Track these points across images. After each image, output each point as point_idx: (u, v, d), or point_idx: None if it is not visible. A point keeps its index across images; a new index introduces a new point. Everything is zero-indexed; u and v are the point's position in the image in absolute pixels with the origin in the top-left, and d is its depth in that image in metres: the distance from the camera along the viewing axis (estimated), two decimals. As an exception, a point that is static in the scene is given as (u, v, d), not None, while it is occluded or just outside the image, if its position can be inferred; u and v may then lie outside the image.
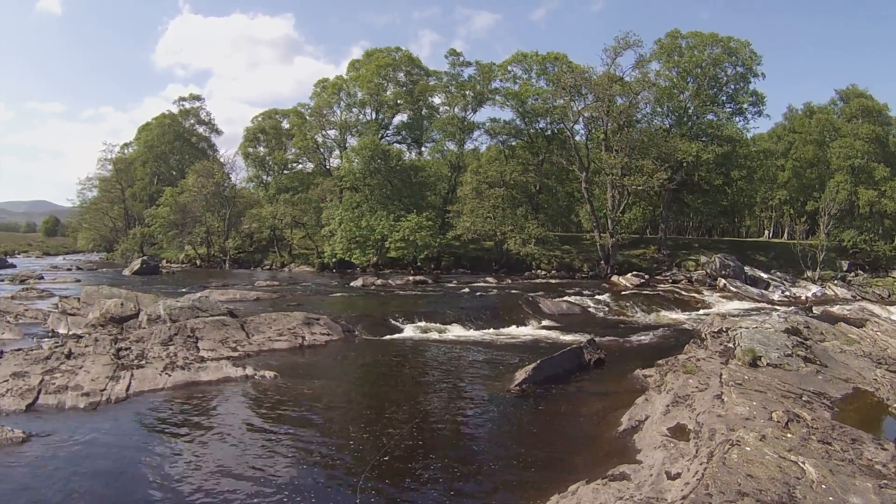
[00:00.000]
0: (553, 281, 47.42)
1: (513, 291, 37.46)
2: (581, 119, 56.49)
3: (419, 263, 53.38)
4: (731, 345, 16.37)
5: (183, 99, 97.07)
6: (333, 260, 57.28)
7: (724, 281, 43.27)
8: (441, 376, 16.88)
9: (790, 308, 34.31)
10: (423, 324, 24.53)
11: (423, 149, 74.33)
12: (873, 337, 20.05)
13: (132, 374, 14.47)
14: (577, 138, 58.39)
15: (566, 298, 32.79)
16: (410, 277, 45.10)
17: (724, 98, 58.38)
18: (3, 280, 42.58)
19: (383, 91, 68.66)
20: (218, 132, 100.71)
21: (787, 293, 42.21)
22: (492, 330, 24.68)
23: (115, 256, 79.49)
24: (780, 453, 8.54)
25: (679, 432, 10.39)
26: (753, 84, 58.26)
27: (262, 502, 8.80)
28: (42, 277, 45.28)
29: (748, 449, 8.66)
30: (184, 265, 68.62)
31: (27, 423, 11.60)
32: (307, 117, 72.85)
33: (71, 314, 23.96)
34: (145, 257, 59.71)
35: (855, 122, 67.02)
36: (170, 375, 14.87)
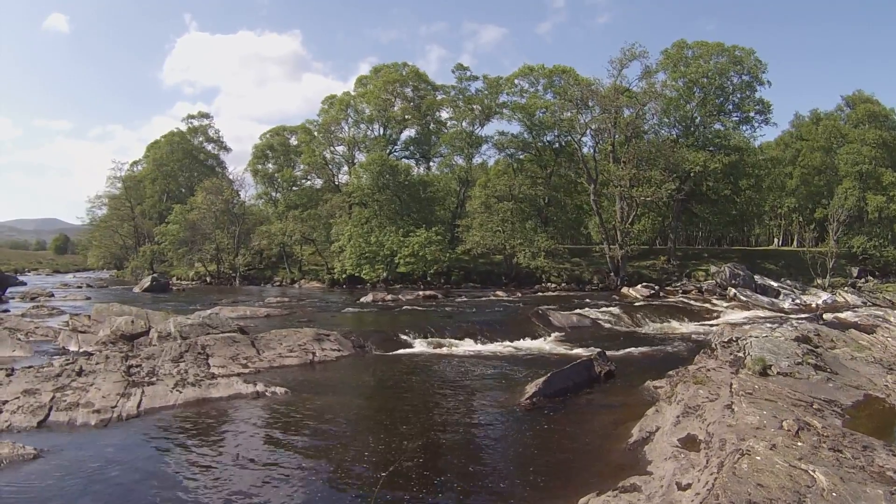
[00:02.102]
0: (563, 294, 47.41)
1: (523, 305, 37.47)
2: (588, 131, 56.65)
3: (429, 278, 53.43)
4: (741, 354, 16.34)
5: (191, 117, 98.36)
6: (343, 276, 57.42)
7: (734, 290, 43.12)
8: (452, 390, 16.87)
9: (801, 316, 34.20)
10: (433, 338, 24.51)
11: (431, 163, 74.83)
12: (884, 343, 19.98)
13: (143, 391, 14.51)
14: (585, 150, 58.61)
15: (576, 311, 32.68)
16: (420, 292, 45.10)
17: (731, 107, 58.47)
18: (13, 298, 42.88)
19: (391, 106, 69.02)
20: (226, 149, 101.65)
21: (798, 301, 42.01)
22: (502, 344, 24.61)
23: (126, 274, 79.97)
24: (790, 462, 8.52)
25: (689, 443, 10.39)
26: (759, 92, 58.40)
27: (273, 518, 8.86)
28: (52, 295, 45.57)
29: (758, 458, 8.64)
30: (194, 282, 68.94)
31: (38, 439, 11.66)
32: (315, 134, 73.20)
33: (81, 332, 24.08)
34: (155, 274, 60.04)
35: (862, 127, 66.77)
36: (180, 392, 14.91)
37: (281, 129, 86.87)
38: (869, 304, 41.34)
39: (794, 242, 78.99)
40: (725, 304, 39.65)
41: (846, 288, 47.62)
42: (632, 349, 23.55)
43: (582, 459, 11.25)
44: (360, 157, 69.77)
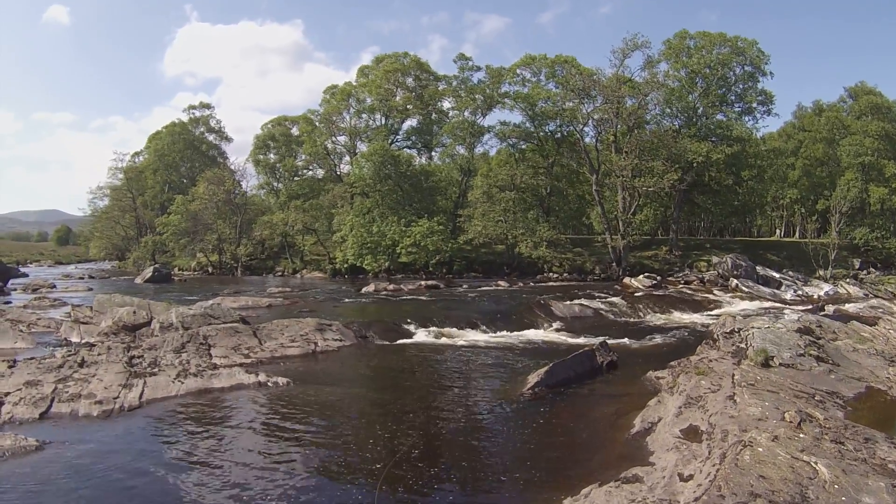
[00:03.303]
0: (565, 283, 47.36)
1: (525, 295, 37.44)
2: (591, 121, 56.54)
3: (431, 268, 53.30)
4: (743, 345, 16.35)
5: (192, 107, 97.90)
6: (345, 266, 57.35)
7: (736, 281, 43.11)
8: (454, 380, 16.89)
9: (802, 307, 34.20)
10: (435, 328, 24.54)
11: (433, 153, 74.57)
12: (886, 335, 19.95)
13: (145, 382, 14.53)
14: (587, 140, 58.57)
15: (578, 301, 32.68)
16: (422, 282, 45.05)
17: (733, 98, 58.23)
18: (15, 289, 42.88)
19: (392, 96, 68.72)
20: (228, 140, 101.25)
21: (800, 292, 41.99)
22: (504, 333, 24.65)
23: (127, 265, 79.98)
24: (792, 454, 8.53)
25: (691, 434, 10.39)
26: (762, 83, 58.11)
27: (276, 508, 8.87)
28: (54, 286, 45.58)
29: (760, 450, 8.65)
30: (195, 273, 68.89)
31: (41, 431, 11.68)
32: (317, 124, 72.91)
33: (83, 323, 24.09)
34: (157, 265, 60.12)
35: (864, 119, 66.80)
36: (182, 383, 14.92)
37: (282, 119, 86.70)
38: (871, 295, 41.30)
39: (797, 234, 78.93)
40: (727, 295, 39.64)
41: (848, 280, 47.61)
42: (634, 339, 23.55)
43: (584, 450, 11.26)
44: (362, 147, 69.61)
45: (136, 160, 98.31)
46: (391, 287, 42.20)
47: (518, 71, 61.98)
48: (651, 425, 11.65)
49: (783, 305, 36.26)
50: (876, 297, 40.47)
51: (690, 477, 8.53)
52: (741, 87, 57.98)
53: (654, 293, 39.49)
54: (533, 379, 15.34)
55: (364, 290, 41.36)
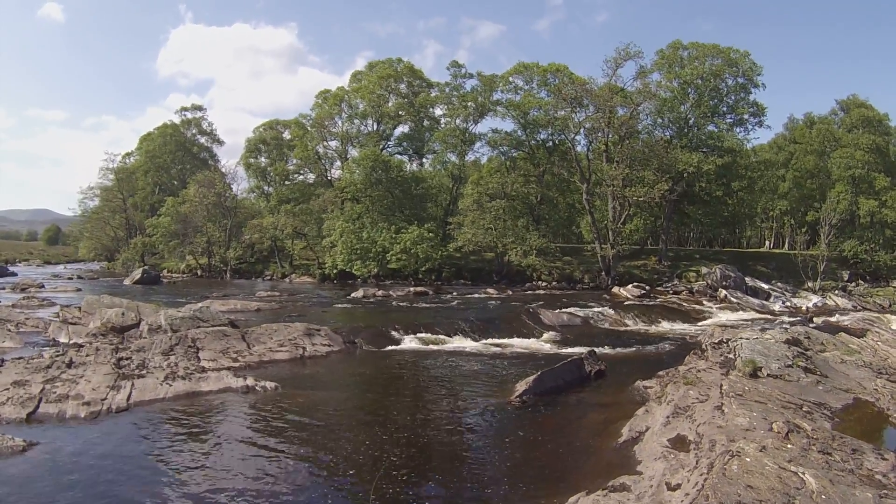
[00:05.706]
0: (554, 292, 47.31)
1: (514, 303, 37.43)
2: (582, 130, 56.59)
3: (420, 275, 53.23)
4: (731, 356, 16.38)
5: (185, 109, 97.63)
6: (334, 271, 57.16)
7: (724, 292, 43.20)
8: (442, 388, 16.87)
9: (791, 318, 34.31)
10: (423, 335, 24.49)
11: (424, 160, 74.45)
12: (874, 347, 20.04)
13: (133, 384, 14.47)
14: (579, 149, 58.51)
15: (567, 310, 32.72)
16: (411, 289, 45.06)
17: (725, 109, 58.31)
18: (4, 288, 42.63)
19: (385, 102, 68.59)
20: (219, 142, 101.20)
21: (788, 304, 42.14)
22: (493, 341, 24.61)
23: (116, 266, 79.50)
24: (780, 464, 8.54)
25: (679, 443, 10.39)
26: (754, 95, 58.25)
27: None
28: (43, 286, 45.34)
29: (748, 460, 8.65)
30: (185, 275, 68.61)
31: (28, 431, 11.61)
32: (308, 128, 72.77)
33: (72, 323, 23.99)
34: (146, 267, 59.84)
35: (855, 132, 67.05)
36: (170, 385, 14.86)
37: (274, 122, 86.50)
38: (859, 307, 41.49)
39: (786, 245, 79.15)
40: (716, 306, 39.73)
41: (837, 291, 47.76)
42: (622, 349, 23.61)
43: (571, 458, 11.25)
44: (353, 153, 69.48)
45: (128, 161, 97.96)
46: (380, 293, 42.16)
47: (511, 79, 62.07)
48: (639, 434, 11.65)
49: (772, 317, 36.37)
50: (864, 309, 40.68)
51: (678, 486, 8.54)
52: (733, 98, 58.08)
53: (643, 303, 39.54)
54: (521, 387, 15.33)
55: (353, 295, 41.30)
